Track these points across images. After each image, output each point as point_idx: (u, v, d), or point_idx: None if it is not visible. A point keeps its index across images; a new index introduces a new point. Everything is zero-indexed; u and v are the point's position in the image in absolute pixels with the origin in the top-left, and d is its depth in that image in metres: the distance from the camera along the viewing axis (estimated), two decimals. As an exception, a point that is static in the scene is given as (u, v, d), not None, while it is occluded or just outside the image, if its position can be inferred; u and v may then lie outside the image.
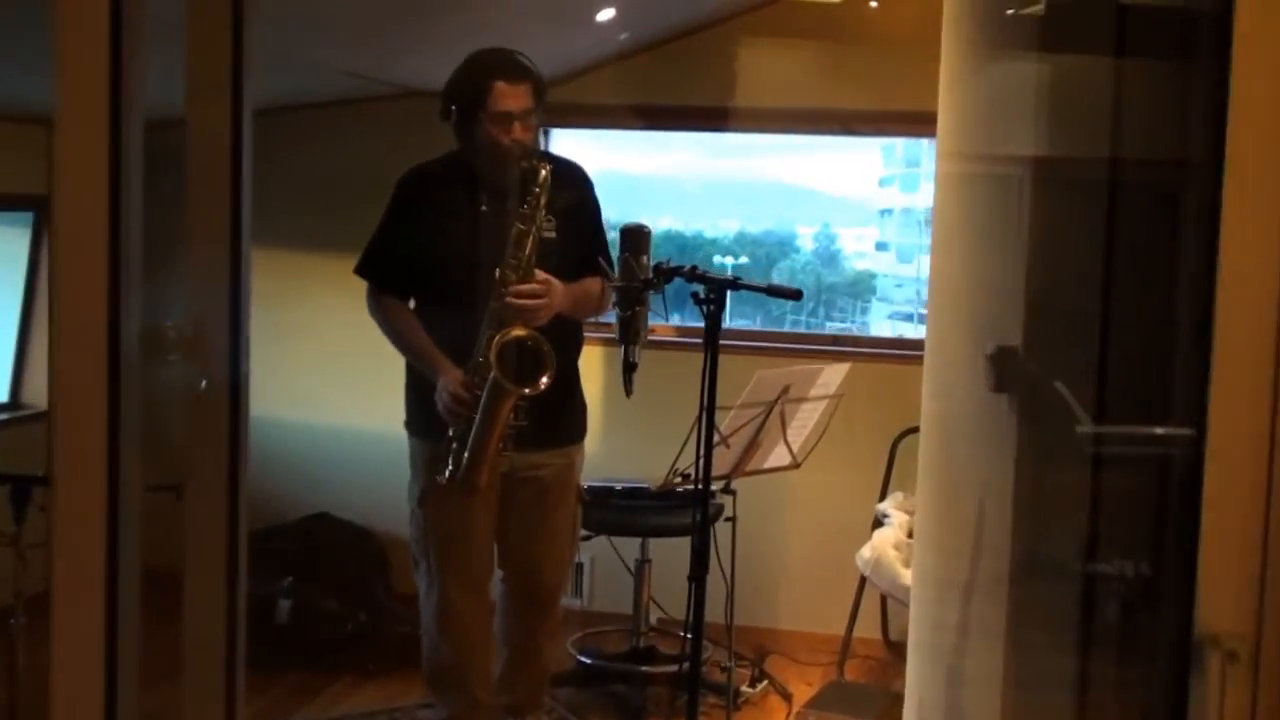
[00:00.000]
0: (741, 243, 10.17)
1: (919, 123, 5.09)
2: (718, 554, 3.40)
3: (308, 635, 4.62)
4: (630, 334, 3.08)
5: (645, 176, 8.84)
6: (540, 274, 3.31)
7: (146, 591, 1.94)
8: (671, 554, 4.39)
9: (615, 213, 8.19)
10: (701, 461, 2.89)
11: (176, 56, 2.00)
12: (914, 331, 10.44)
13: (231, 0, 2.02)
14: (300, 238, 5.39)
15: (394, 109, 5.12)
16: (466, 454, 3.32)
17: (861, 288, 10.67)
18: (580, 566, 5.11)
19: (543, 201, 3.26)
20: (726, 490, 3.79)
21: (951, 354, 2.97)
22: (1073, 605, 2.17)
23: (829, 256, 11.06)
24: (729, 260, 9.81)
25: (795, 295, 2.83)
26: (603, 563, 4.87)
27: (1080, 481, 2.07)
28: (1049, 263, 2.28)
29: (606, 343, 4.47)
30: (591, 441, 3.83)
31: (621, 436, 4.71)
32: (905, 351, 5.37)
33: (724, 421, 3.10)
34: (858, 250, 11.11)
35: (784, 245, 10.75)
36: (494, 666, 3.77)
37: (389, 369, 3.72)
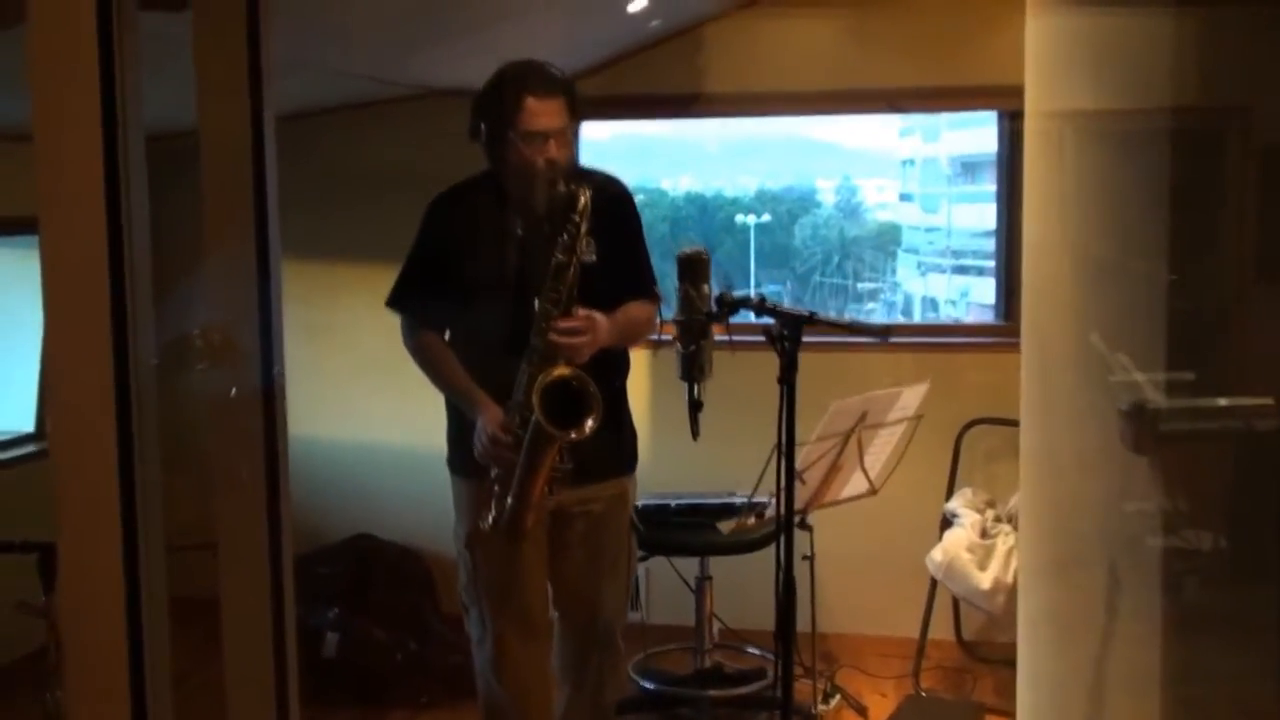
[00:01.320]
0: (762, 200, 9.97)
1: (976, 96, 4.91)
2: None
3: (356, 668, 4.45)
4: (695, 370, 2.85)
5: (662, 137, 8.62)
6: (582, 310, 3.09)
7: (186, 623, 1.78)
8: (731, 565, 4.21)
9: (636, 176, 8.02)
10: (783, 512, 2.68)
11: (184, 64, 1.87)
12: (944, 284, 10.29)
13: (246, 6, 1.81)
14: (327, 244, 5.25)
15: (415, 109, 4.92)
16: (510, 499, 3.13)
17: (886, 240, 10.47)
18: (636, 580, 4.93)
19: (584, 230, 3.03)
20: (803, 526, 3.58)
21: (1052, 343, 2.85)
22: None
23: (851, 209, 10.85)
24: (750, 219, 9.61)
25: (884, 333, 2.61)
26: (660, 576, 4.68)
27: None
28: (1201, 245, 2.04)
29: (653, 345, 4.25)
30: (640, 455, 3.63)
31: (673, 448, 4.50)
32: (965, 339, 5.15)
33: (799, 456, 2.89)
34: (880, 201, 10.90)
35: (805, 200, 10.53)
36: (554, 704, 3.59)
37: (425, 382, 3.48)
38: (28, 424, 5.05)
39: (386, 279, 3.45)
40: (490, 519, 3.19)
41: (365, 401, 5.27)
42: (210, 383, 1.95)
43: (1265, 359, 1.77)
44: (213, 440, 1.95)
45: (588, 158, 5.40)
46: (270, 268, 1.87)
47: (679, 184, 9.98)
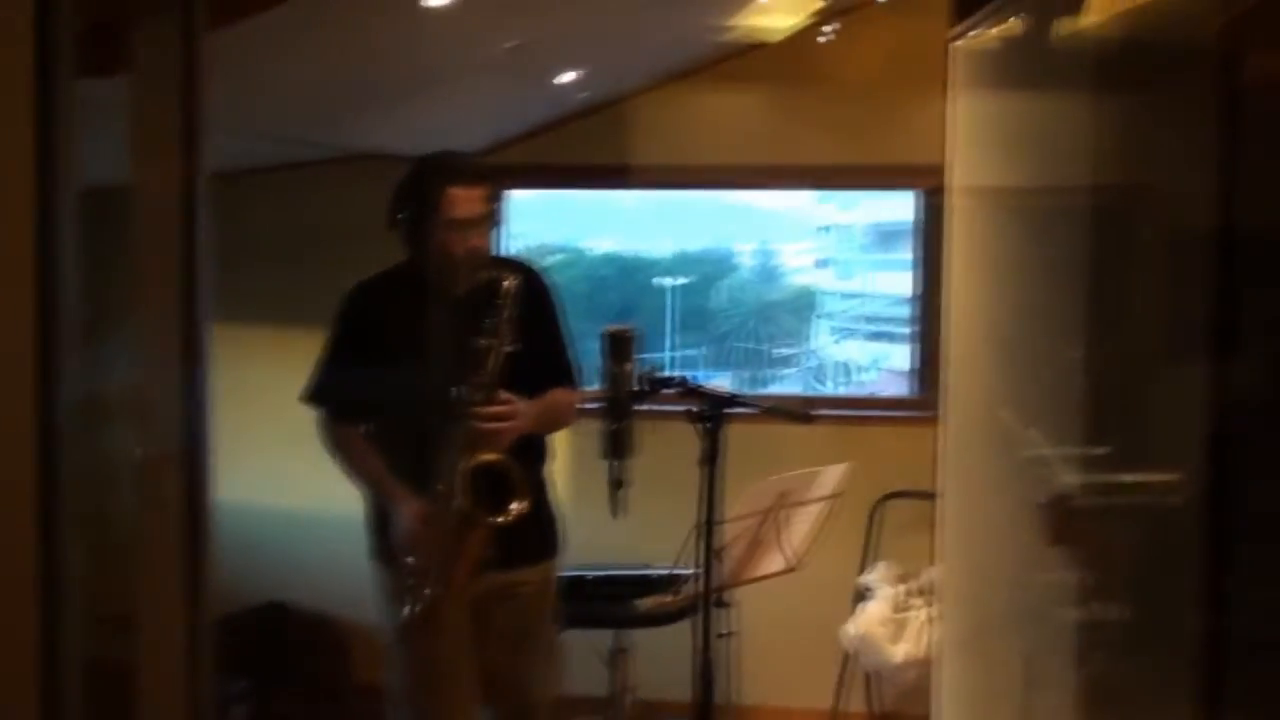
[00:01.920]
0: (681, 262, 9.99)
1: (896, 174, 4.99)
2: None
3: (266, 742, 4.36)
4: (618, 448, 2.86)
5: (583, 198, 8.62)
6: (505, 395, 3.10)
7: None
8: (647, 635, 4.20)
9: (556, 236, 8.03)
10: (701, 587, 2.68)
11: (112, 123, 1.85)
12: (859, 350, 10.36)
13: (182, 66, 1.81)
14: (248, 306, 5.16)
15: (342, 172, 4.89)
16: (432, 589, 3.11)
17: (802, 304, 10.53)
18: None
19: (508, 316, 3.06)
20: (721, 604, 3.59)
21: (970, 417, 2.91)
22: None
23: (768, 273, 10.92)
24: (669, 281, 9.63)
25: (805, 419, 2.64)
26: (574, 647, 4.65)
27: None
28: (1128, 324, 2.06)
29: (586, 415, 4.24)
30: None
31: (590, 521, 4.49)
32: (882, 411, 5.20)
33: (719, 534, 2.90)
34: (797, 266, 10.98)
35: (723, 263, 10.58)
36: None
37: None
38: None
39: (307, 342, 3.42)
40: (408, 610, 3.16)
41: (281, 465, 5.18)
42: (132, 445, 1.92)
43: (1172, 436, 1.81)
44: (133, 506, 1.92)
45: (510, 219, 5.42)
46: (198, 330, 1.85)
47: (599, 245, 9.97)
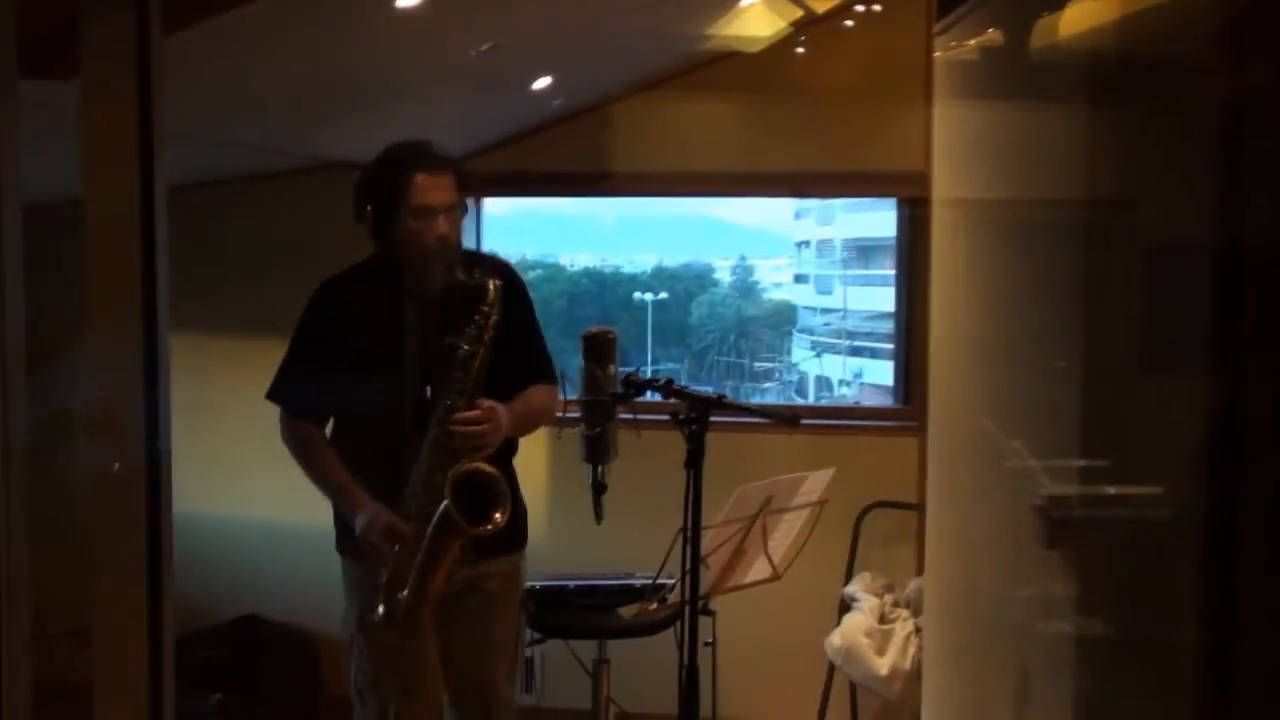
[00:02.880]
0: (660, 277, 9.98)
1: (875, 182, 4.97)
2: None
3: (239, 757, 4.29)
4: (599, 453, 2.80)
5: (561, 213, 8.61)
6: (485, 401, 3.05)
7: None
8: (630, 647, 4.13)
9: (535, 251, 7.99)
10: (687, 594, 2.63)
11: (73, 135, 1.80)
12: (839, 365, 10.38)
13: (137, 68, 1.74)
14: (216, 317, 5.11)
15: (310, 181, 4.84)
16: (407, 593, 3.04)
17: (781, 319, 10.54)
18: (531, 662, 4.83)
19: (494, 320, 3.00)
20: (705, 611, 3.53)
21: (955, 428, 2.85)
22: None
23: (746, 288, 10.92)
24: (648, 296, 9.62)
25: (793, 420, 2.59)
26: (556, 658, 4.59)
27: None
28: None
29: (555, 423, 4.19)
30: (536, 534, 3.56)
31: (572, 529, 4.45)
32: (865, 421, 5.16)
33: (703, 540, 2.84)
34: (775, 281, 10.99)
35: (701, 279, 10.58)
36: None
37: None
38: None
39: (276, 353, 3.36)
40: (381, 613, 3.10)
41: (253, 478, 5.11)
42: (91, 459, 1.86)
43: (1161, 448, 1.78)
44: (92, 520, 1.86)
45: (487, 230, 5.37)
46: (158, 342, 1.80)
47: (577, 260, 9.96)
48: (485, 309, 2.99)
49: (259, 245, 4.99)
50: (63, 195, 1.82)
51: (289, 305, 3.37)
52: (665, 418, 2.76)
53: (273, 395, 3.32)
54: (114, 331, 1.90)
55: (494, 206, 5.44)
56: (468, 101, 4.23)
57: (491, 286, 2.99)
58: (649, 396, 2.90)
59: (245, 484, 5.14)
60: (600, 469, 2.85)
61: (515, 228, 6.44)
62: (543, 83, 4.19)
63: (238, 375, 5.01)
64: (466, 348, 2.98)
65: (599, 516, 2.88)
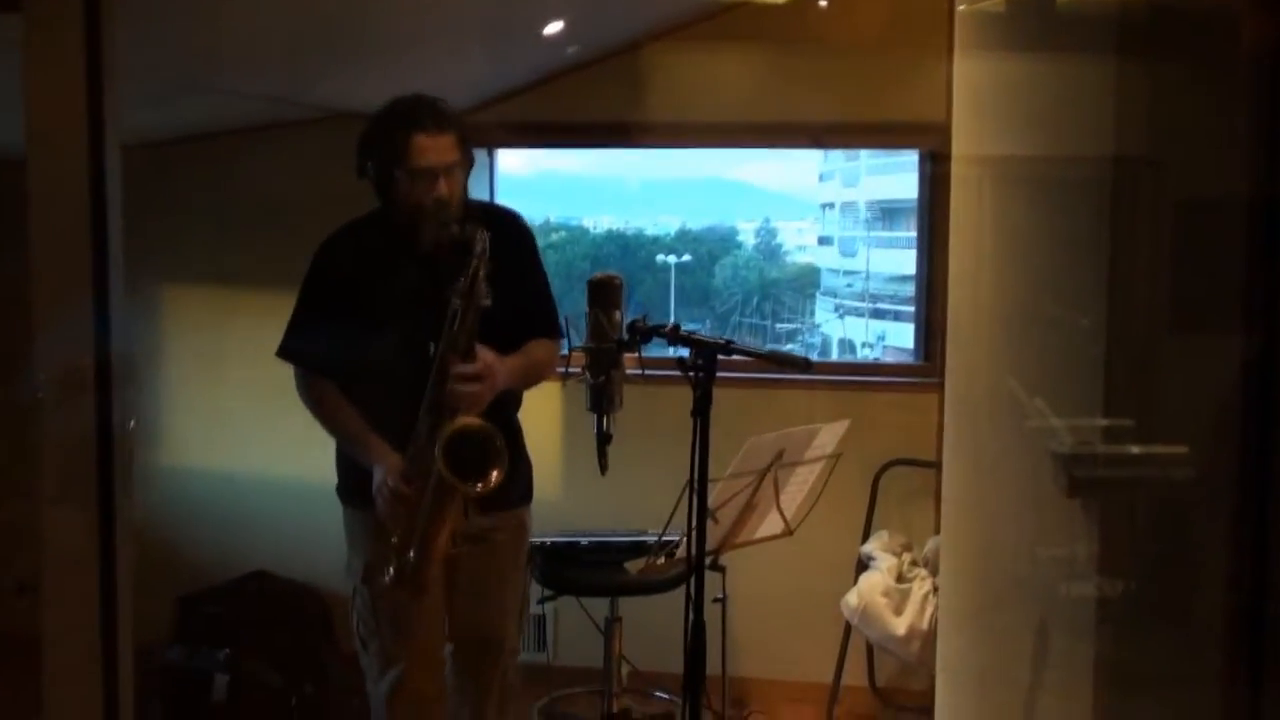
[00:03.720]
0: (683, 240, 9.93)
1: (897, 133, 4.86)
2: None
3: (247, 713, 4.24)
4: (604, 402, 2.72)
5: (584, 174, 8.55)
6: (482, 354, 2.98)
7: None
8: (641, 605, 4.07)
9: (557, 213, 7.93)
10: (694, 546, 2.55)
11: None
12: (862, 328, 10.32)
13: (85, 34, 1.64)
14: (222, 268, 5.06)
15: (317, 132, 4.77)
16: (412, 554, 2.99)
17: (805, 282, 10.48)
18: (543, 618, 4.77)
19: (481, 275, 2.91)
20: (715, 567, 3.45)
21: (975, 387, 2.80)
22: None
23: (770, 251, 10.87)
24: (671, 258, 9.57)
25: (804, 365, 2.50)
26: (568, 616, 4.53)
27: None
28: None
29: (562, 377, 4.12)
30: (548, 491, 3.50)
31: (582, 483, 4.38)
32: (884, 378, 5.06)
33: (712, 493, 2.77)
34: (799, 244, 10.94)
35: (725, 241, 10.53)
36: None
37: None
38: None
39: (284, 304, 3.30)
40: (390, 573, 3.06)
41: (261, 432, 5.07)
42: (46, 413, 1.79)
43: (1179, 408, 1.73)
44: (42, 473, 1.78)
45: (509, 191, 5.28)
46: (109, 296, 1.70)
47: (600, 222, 9.93)
48: (473, 261, 2.91)
49: (266, 196, 4.92)
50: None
51: (295, 257, 3.31)
52: (674, 373, 2.67)
53: (282, 352, 3.27)
54: (63, 286, 1.82)
55: (515, 167, 5.35)
56: (476, 48, 4.13)
57: (479, 240, 2.91)
58: (658, 349, 2.81)
59: (253, 439, 5.10)
60: (605, 419, 2.77)
61: (538, 189, 6.39)
62: (554, 28, 4.09)
63: (244, 328, 4.97)
64: (458, 302, 2.92)
65: (603, 468, 2.80)
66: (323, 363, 3.24)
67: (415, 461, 3.00)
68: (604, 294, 2.77)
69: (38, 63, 1.66)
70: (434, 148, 3.04)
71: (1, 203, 1.85)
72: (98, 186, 1.65)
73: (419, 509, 2.99)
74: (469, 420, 2.92)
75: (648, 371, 2.92)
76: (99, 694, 1.71)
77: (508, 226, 3.27)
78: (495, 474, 2.88)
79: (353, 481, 3.23)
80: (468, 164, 3.14)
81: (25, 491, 1.84)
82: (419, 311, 3.08)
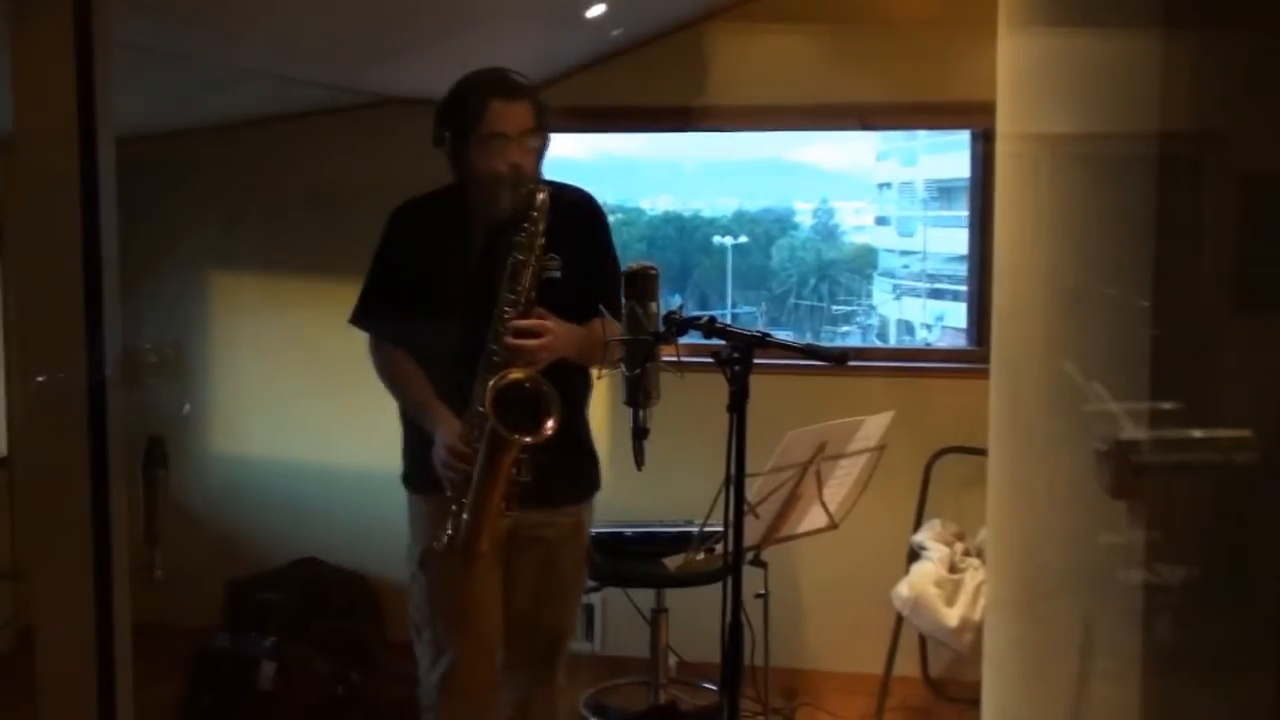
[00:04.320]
0: (740, 221, 9.89)
1: (949, 113, 4.77)
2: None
3: (293, 701, 4.24)
4: (640, 395, 2.67)
5: (642, 157, 8.52)
6: (540, 310, 2.98)
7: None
8: (689, 595, 4.03)
9: (615, 195, 7.91)
10: (731, 542, 2.50)
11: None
12: (919, 308, 10.23)
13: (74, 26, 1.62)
14: (283, 256, 5.08)
15: (375, 117, 4.76)
16: (466, 515, 2.96)
17: (862, 263, 10.40)
18: (590, 609, 4.75)
19: (541, 229, 2.92)
20: (756, 562, 3.41)
21: (1023, 371, 2.76)
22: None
23: (828, 232, 10.78)
24: (728, 240, 9.52)
25: (840, 359, 2.44)
26: (615, 606, 4.50)
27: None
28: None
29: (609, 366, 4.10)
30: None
31: (628, 474, 4.35)
32: (935, 364, 4.98)
33: (752, 488, 2.72)
34: (856, 225, 10.85)
35: (782, 222, 10.46)
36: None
37: (381, 399, 3.34)
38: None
39: (344, 292, 3.31)
40: (446, 538, 3.03)
41: (318, 420, 5.09)
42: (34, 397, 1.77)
43: (1242, 390, 1.68)
44: (29, 458, 1.77)
45: (567, 175, 5.23)
46: (103, 280, 1.67)
47: (657, 203, 9.91)
48: (533, 214, 2.92)
49: (319, 182, 4.93)
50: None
51: (349, 243, 3.32)
52: (709, 360, 2.63)
53: (355, 320, 3.29)
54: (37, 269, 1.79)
55: (572, 149, 5.32)
56: (521, 31, 4.10)
57: (540, 195, 2.92)
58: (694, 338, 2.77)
59: (306, 425, 5.12)
60: (641, 413, 2.71)
61: (595, 172, 6.37)
62: (596, 10, 4.05)
63: (297, 313, 4.98)
64: (518, 257, 2.93)
65: (639, 463, 2.75)
66: (393, 331, 3.24)
67: (473, 421, 2.99)
68: (640, 284, 2.70)
69: (26, 54, 1.64)
70: (510, 114, 3.03)
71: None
72: (89, 180, 1.62)
73: (474, 470, 2.96)
74: (517, 372, 2.91)
75: (685, 359, 2.87)
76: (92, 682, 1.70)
77: (580, 206, 3.26)
78: (549, 424, 2.86)
79: (419, 468, 3.21)
80: (543, 137, 3.12)
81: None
82: (487, 280, 3.06)
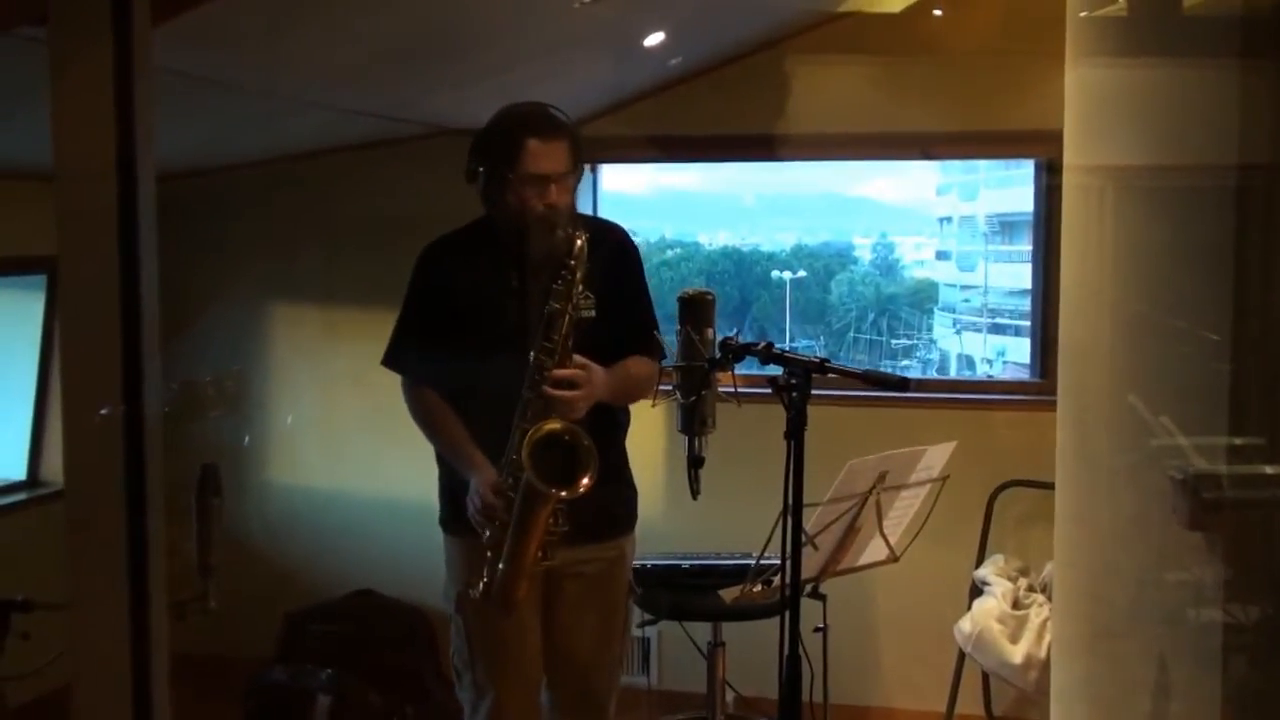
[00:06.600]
0: (799, 255, 9.85)
1: (1011, 142, 4.72)
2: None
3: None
4: (695, 423, 2.63)
5: (699, 191, 8.52)
6: (578, 359, 2.93)
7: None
8: (746, 628, 3.97)
9: (673, 230, 7.90)
10: (789, 573, 2.45)
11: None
12: (980, 343, 10.14)
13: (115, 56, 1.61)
14: (336, 288, 5.08)
15: (428, 148, 4.75)
16: (501, 565, 2.93)
17: (923, 297, 10.32)
18: (646, 642, 4.70)
19: (579, 277, 2.88)
20: (815, 595, 3.35)
21: (1090, 405, 2.70)
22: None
23: (887, 266, 10.73)
24: (786, 275, 9.48)
25: (902, 385, 2.39)
26: (671, 639, 4.45)
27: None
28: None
29: (666, 394, 4.06)
30: (646, 511, 3.41)
31: (683, 504, 4.31)
32: (998, 395, 4.91)
33: (811, 519, 2.66)
34: (917, 259, 10.78)
35: (842, 256, 10.41)
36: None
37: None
38: (19, 472, 4.88)
39: (391, 323, 3.29)
40: (481, 586, 3.00)
41: (376, 452, 5.08)
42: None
43: None
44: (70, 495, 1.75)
45: (626, 210, 5.22)
46: (141, 319, 1.65)
47: (716, 238, 9.91)
48: (570, 263, 2.88)
49: (375, 213, 4.94)
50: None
51: (400, 275, 3.29)
52: (767, 390, 2.58)
53: (387, 361, 3.27)
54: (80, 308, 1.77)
55: (631, 184, 5.31)
56: (577, 61, 4.09)
57: (578, 241, 2.88)
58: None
59: (365, 457, 5.11)
60: (697, 441, 2.68)
61: (652, 206, 6.37)
62: (655, 39, 4.03)
63: (353, 346, 4.98)
64: (555, 305, 2.89)
65: (695, 492, 2.71)
66: (426, 372, 3.21)
67: (508, 470, 2.95)
68: (696, 311, 2.68)
69: (65, 82, 1.62)
70: (547, 154, 2.99)
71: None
72: (128, 215, 1.60)
73: (509, 520, 2.93)
74: (555, 423, 2.86)
75: (741, 390, 2.83)
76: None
77: (612, 241, 3.22)
78: (584, 480, 2.81)
79: (453, 510, 3.19)
80: (578, 174, 3.09)
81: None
82: (520, 320, 3.04)
